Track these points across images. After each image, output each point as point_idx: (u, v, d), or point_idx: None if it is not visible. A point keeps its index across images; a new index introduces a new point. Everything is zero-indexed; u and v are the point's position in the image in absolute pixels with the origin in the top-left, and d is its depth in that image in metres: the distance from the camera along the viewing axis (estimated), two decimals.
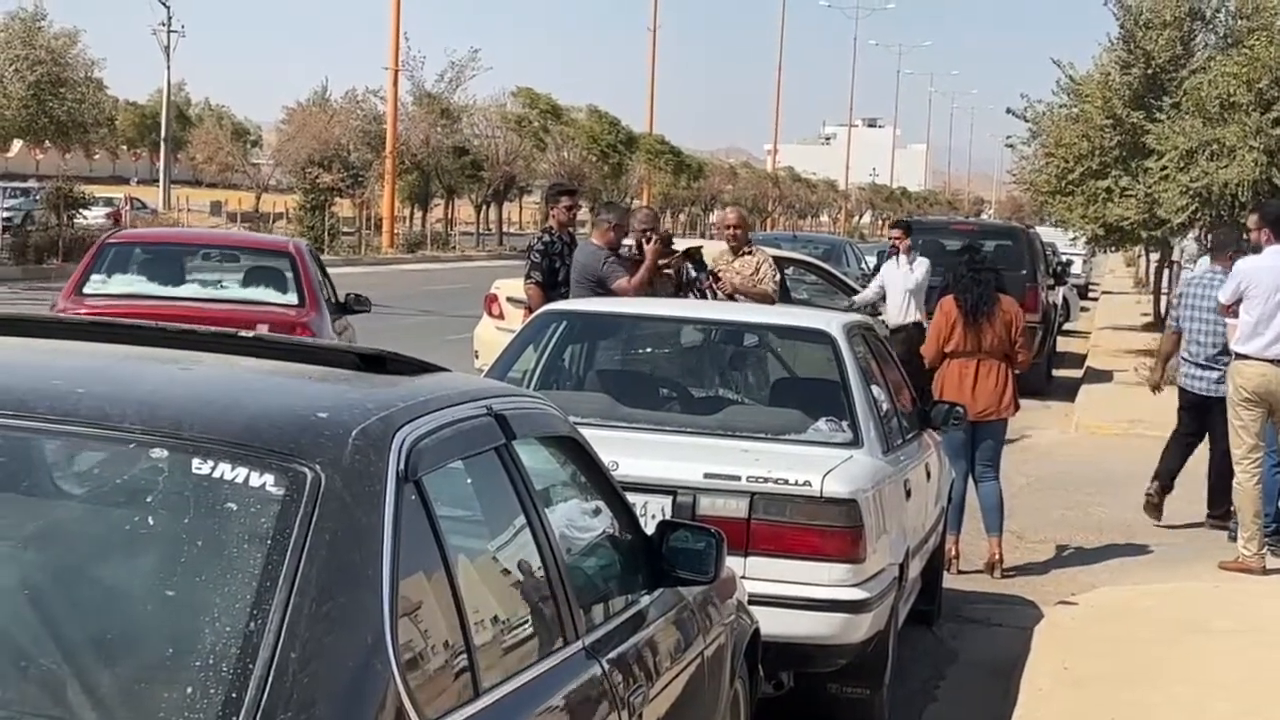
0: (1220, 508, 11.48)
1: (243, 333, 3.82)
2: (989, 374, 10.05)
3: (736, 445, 6.79)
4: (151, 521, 2.98)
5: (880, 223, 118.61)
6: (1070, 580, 10.14)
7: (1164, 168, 21.45)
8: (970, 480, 10.22)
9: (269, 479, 2.92)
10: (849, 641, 6.41)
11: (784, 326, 8.47)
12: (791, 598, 6.23)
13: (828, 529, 6.31)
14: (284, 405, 3.24)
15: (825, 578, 6.30)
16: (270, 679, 2.66)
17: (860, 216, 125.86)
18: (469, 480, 3.64)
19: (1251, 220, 10.68)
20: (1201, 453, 11.90)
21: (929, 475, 8.18)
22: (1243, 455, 10.05)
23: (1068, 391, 20.65)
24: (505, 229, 68.59)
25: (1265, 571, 9.99)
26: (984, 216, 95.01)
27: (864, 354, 7.70)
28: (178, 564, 2.88)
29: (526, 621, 3.60)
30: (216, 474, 2.94)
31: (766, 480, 6.33)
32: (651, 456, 6.54)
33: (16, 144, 57.11)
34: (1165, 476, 11.90)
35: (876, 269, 17.54)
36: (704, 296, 11.36)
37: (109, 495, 3.10)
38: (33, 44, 37.59)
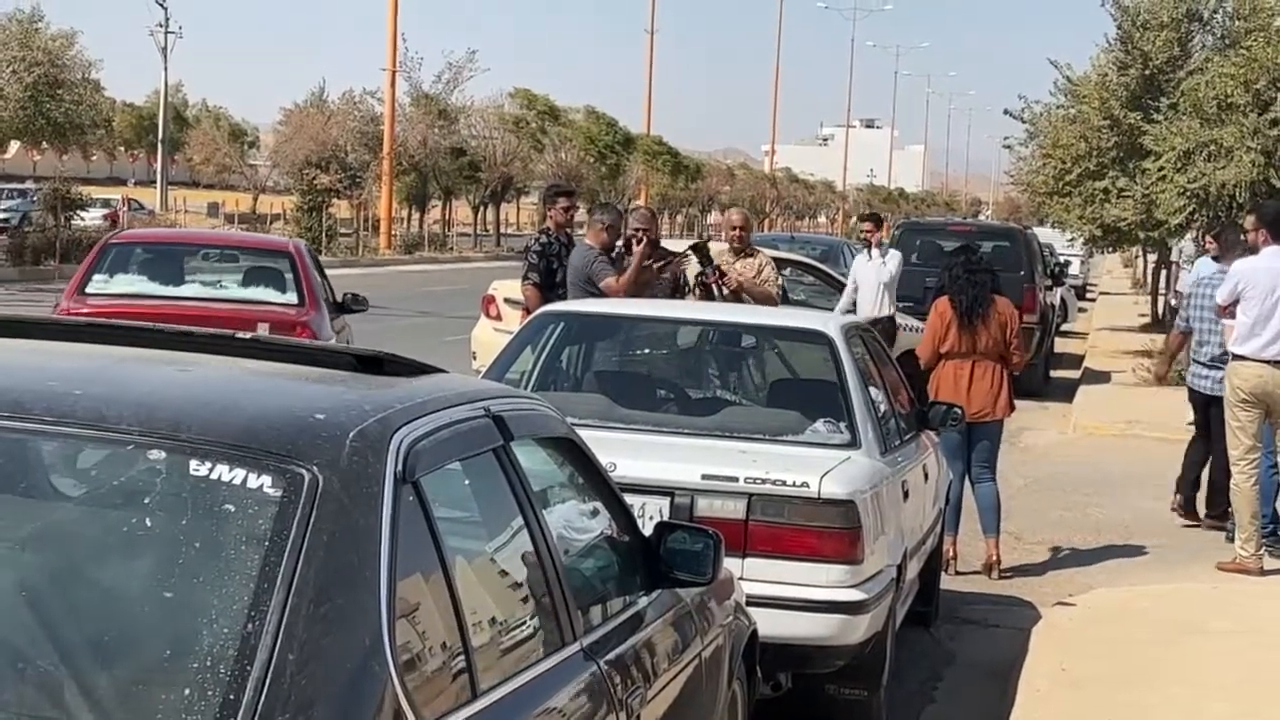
0: (1218, 508, 11.48)
1: (240, 334, 3.82)
2: (984, 375, 10.06)
3: (734, 446, 6.79)
4: (149, 523, 2.98)
5: None
6: (1068, 581, 10.14)
7: (1161, 169, 21.46)
8: (967, 481, 10.22)
9: (266, 480, 2.92)
10: (847, 643, 6.41)
11: (781, 328, 8.47)
12: (789, 599, 6.23)
13: (825, 530, 6.31)
14: (282, 407, 3.24)
15: (823, 579, 6.30)
16: (268, 680, 2.66)
17: (857, 218, 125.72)
18: (467, 482, 3.63)
19: (1248, 221, 10.69)
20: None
21: (927, 476, 8.18)
22: (1240, 456, 10.05)
23: (1065, 392, 20.65)
24: (503, 230, 68.58)
25: (1263, 572, 9.99)
26: (982, 217, 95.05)
27: (862, 355, 7.70)
28: (175, 565, 2.88)
29: (524, 623, 3.60)
30: (214, 475, 2.94)
31: (764, 481, 6.33)
32: (649, 458, 6.54)
33: (14, 145, 57.17)
34: (1187, 487, 11.88)
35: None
36: (710, 291, 11.39)
37: (106, 497, 3.10)
38: (30, 45, 37.61)
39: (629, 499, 4.61)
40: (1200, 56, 23.40)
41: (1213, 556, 10.42)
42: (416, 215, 63.02)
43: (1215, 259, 12.47)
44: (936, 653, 8.56)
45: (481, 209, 65.65)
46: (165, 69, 55.46)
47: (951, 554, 9.94)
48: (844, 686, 6.70)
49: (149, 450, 3.03)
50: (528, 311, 10.40)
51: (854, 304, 15.47)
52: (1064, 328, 29.29)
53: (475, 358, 14.40)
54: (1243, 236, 11.50)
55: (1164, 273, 30.33)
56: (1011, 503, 10.99)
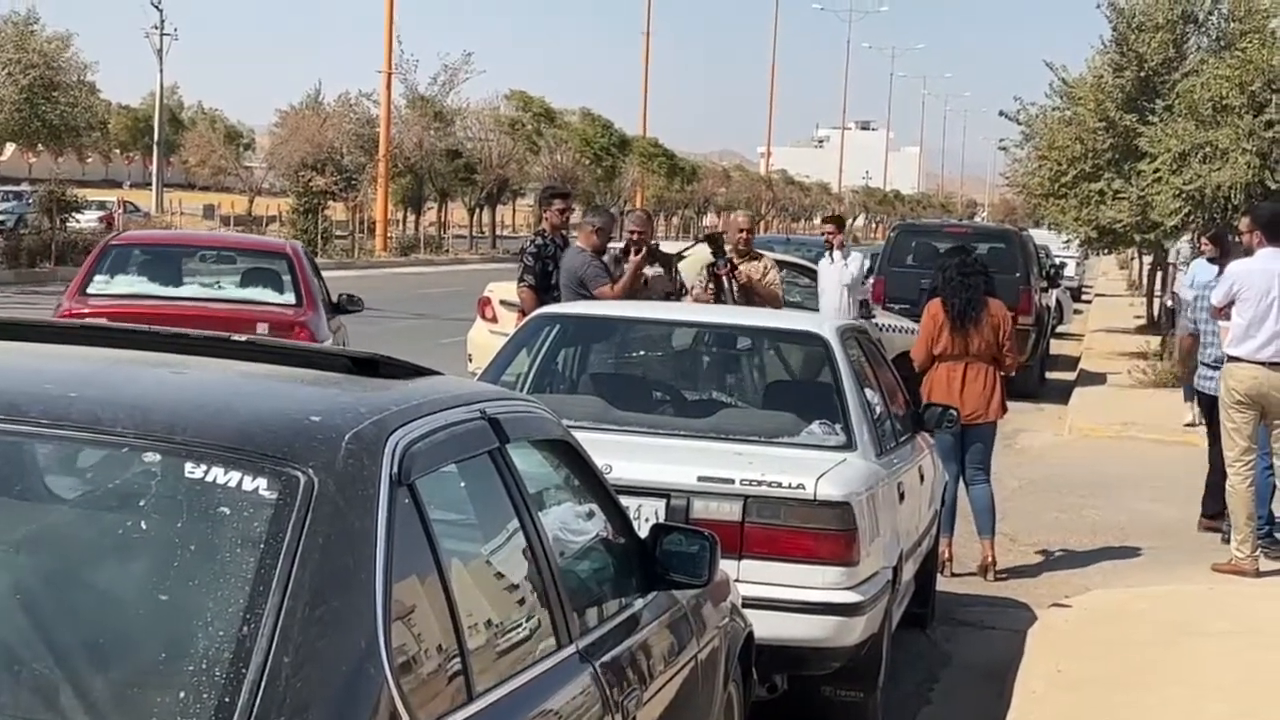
0: (1214, 509, 11.46)
1: (235, 336, 3.82)
2: (977, 377, 10.06)
3: (730, 448, 6.79)
4: (144, 526, 2.97)
5: (875, 225, 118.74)
6: (1064, 583, 10.14)
7: (1157, 170, 21.47)
8: (961, 483, 10.22)
9: (262, 483, 2.92)
10: (843, 644, 6.41)
11: (777, 330, 8.47)
12: (785, 601, 6.23)
13: (821, 532, 6.31)
14: (277, 409, 3.24)
15: (819, 581, 6.30)
16: (263, 683, 2.66)
17: (853, 219, 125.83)
18: (462, 484, 3.63)
19: (1243, 223, 10.69)
20: (1199, 456, 11.88)
21: (922, 478, 8.18)
22: (1235, 458, 10.05)
23: (1061, 394, 20.66)
24: (498, 232, 68.56)
25: (1259, 574, 9.99)
26: (977, 219, 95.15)
27: (857, 357, 7.71)
28: (171, 568, 2.88)
29: (520, 625, 3.59)
30: (209, 478, 2.93)
31: (760, 483, 6.33)
32: (645, 459, 6.54)
33: (9, 148, 57.12)
34: (1210, 505, 11.59)
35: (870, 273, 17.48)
36: (721, 282, 11.48)
37: (102, 499, 3.10)
38: (25, 47, 37.54)
39: (625, 501, 4.61)
40: (1195, 58, 23.41)
41: (1208, 558, 10.42)
42: (412, 217, 63.00)
43: (1211, 261, 12.47)
44: (932, 654, 8.56)
45: (477, 211, 65.65)
46: (161, 71, 55.48)
47: (947, 556, 9.95)
48: (840, 688, 6.70)
49: (144, 453, 3.03)
50: (523, 314, 10.40)
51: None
52: (1060, 329, 29.30)
53: (471, 360, 14.40)
54: (1237, 238, 11.51)
55: (1159, 274, 30.32)
56: (1007, 504, 10.99)
